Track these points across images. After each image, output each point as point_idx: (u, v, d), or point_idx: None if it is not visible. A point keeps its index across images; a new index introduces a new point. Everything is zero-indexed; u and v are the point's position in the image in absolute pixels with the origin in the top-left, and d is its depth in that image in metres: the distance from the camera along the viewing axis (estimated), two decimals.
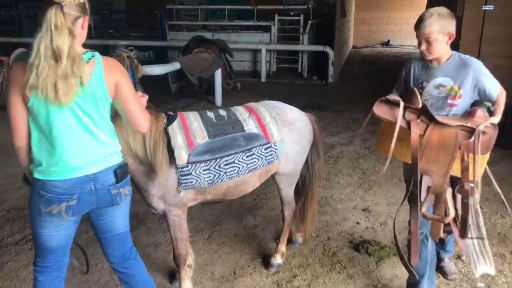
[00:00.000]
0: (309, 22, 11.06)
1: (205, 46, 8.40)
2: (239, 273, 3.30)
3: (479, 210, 2.56)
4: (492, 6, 6.72)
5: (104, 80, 2.07)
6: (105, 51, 7.16)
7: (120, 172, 2.25)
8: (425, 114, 2.45)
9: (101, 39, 11.55)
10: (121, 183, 2.26)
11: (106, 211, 2.33)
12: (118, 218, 2.40)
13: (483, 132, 2.38)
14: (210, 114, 2.82)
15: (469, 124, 2.40)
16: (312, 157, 3.26)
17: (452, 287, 3.13)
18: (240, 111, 2.92)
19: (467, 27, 6.86)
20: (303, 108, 4.59)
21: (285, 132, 2.93)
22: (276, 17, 11.10)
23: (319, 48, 10.60)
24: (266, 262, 3.39)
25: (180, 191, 2.64)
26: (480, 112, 2.50)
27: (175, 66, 7.14)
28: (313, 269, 3.34)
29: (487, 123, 2.40)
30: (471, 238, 2.54)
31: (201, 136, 2.65)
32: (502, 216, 4.10)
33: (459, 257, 3.47)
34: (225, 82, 8.86)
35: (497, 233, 3.81)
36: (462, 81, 2.54)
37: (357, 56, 15.72)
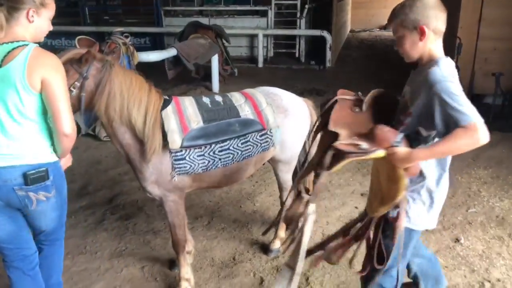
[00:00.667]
0: (306, 6, 10.94)
1: (202, 32, 8.30)
2: (238, 258, 3.31)
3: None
4: None
5: (25, 68, 1.99)
6: (101, 37, 7.10)
7: (32, 175, 2.09)
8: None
9: (96, 25, 11.43)
10: (32, 186, 2.10)
11: (24, 211, 2.23)
12: (37, 221, 2.29)
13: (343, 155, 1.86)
14: (206, 99, 2.81)
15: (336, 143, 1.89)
16: (309, 142, 3.24)
17: (450, 269, 3.15)
18: (236, 97, 2.89)
19: (466, 9, 6.80)
20: (301, 93, 4.57)
21: (281, 118, 2.92)
22: (273, 2, 10.97)
23: (316, 32, 10.49)
24: (265, 247, 3.40)
25: (174, 176, 2.64)
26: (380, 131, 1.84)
27: (171, 52, 7.06)
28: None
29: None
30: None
31: (195, 121, 2.64)
32: (500, 199, 4.11)
33: (457, 240, 3.48)
34: (222, 68, 8.78)
35: (495, 216, 3.82)
36: (416, 96, 1.92)
37: (354, 40, 15.60)
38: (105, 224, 3.77)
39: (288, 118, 2.93)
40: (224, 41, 8.95)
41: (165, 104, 2.62)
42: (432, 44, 1.94)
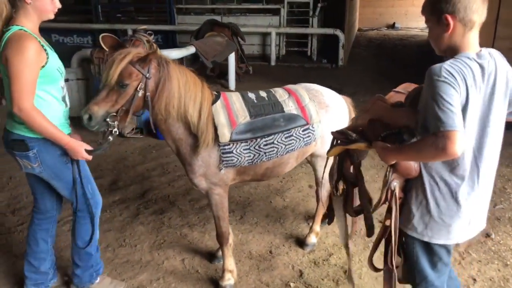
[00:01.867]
0: (319, 4, 11.00)
1: (218, 30, 8.38)
2: (275, 251, 3.39)
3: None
4: None
5: (1, 48, 2.24)
6: (114, 35, 7.16)
7: (14, 143, 2.42)
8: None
9: (108, 23, 11.49)
10: (16, 152, 2.44)
11: None
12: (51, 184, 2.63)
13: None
14: (251, 95, 2.88)
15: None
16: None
17: (484, 263, 3.22)
18: (280, 93, 2.96)
19: None
20: None
21: (322, 114, 2.99)
22: (286, 0, 11.03)
23: (329, 31, 10.55)
24: (300, 241, 3.48)
25: (221, 169, 2.71)
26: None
27: (190, 50, 7.12)
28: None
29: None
30: None
31: (243, 116, 2.71)
32: None
33: (488, 235, 3.55)
34: (237, 66, 8.85)
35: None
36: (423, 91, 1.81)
37: (363, 39, 15.65)
38: (140, 218, 3.85)
39: (329, 114, 3.01)
40: (239, 39, 9.02)
41: (214, 99, 2.70)
42: (461, 37, 1.76)
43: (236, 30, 8.77)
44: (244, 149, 2.69)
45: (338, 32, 10.29)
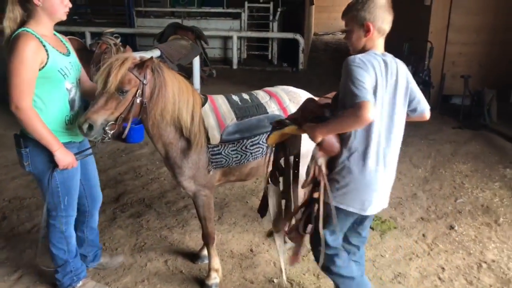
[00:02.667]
0: (279, 9, 11.23)
1: (181, 33, 8.37)
2: (256, 250, 3.48)
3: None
4: None
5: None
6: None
7: (15, 137, 2.50)
8: None
9: (65, 25, 11.19)
10: (16, 147, 2.51)
11: None
12: None
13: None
14: (235, 97, 2.96)
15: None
16: None
17: (450, 253, 3.46)
18: (261, 95, 3.07)
19: (436, 15, 7.29)
20: None
21: None
22: (246, 4, 11.17)
23: (289, 35, 10.80)
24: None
25: (210, 170, 2.78)
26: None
27: (155, 53, 7.07)
28: None
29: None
30: None
31: (229, 118, 2.79)
32: (482, 190, 4.51)
33: (452, 227, 3.81)
34: (201, 69, 8.88)
35: (480, 205, 4.20)
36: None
37: (320, 43, 16.10)
38: (117, 222, 3.83)
39: None
40: (203, 43, 9.06)
41: (203, 102, 2.77)
42: (374, 41, 2.13)
43: (199, 33, 8.80)
44: (231, 150, 2.77)
45: (298, 37, 10.55)
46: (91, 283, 2.95)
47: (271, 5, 11.32)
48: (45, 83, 2.36)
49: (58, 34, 2.57)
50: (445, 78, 7.34)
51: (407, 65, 7.58)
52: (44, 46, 2.32)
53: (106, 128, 2.41)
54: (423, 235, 3.71)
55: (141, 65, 2.40)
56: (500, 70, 7.48)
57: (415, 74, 7.36)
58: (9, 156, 5.19)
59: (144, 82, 2.43)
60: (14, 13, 2.32)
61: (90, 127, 2.36)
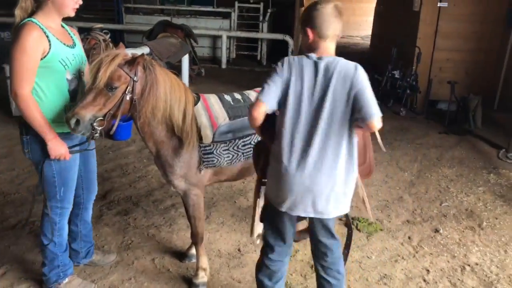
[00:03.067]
0: (269, 10, 11.25)
1: (171, 31, 8.33)
2: (243, 249, 3.48)
3: None
4: (446, 3, 7.29)
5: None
6: None
7: (19, 124, 2.56)
8: None
9: None
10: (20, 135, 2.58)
11: None
12: None
13: None
14: (227, 97, 2.97)
15: None
16: None
17: (435, 256, 3.51)
18: (253, 95, 3.07)
19: (424, 22, 7.39)
20: None
21: None
22: (236, 4, 11.17)
23: (279, 36, 10.82)
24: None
25: (201, 170, 2.78)
26: None
27: (144, 50, 7.02)
28: None
29: None
30: None
31: (222, 117, 2.80)
32: (467, 194, 4.59)
33: (437, 230, 3.87)
34: (190, 68, 8.85)
35: (465, 209, 4.27)
36: None
37: None
38: (104, 220, 3.80)
39: None
40: (192, 41, 9.03)
41: (195, 101, 2.76)
42: (315, 44, 2.19)
43: (189, 31, 8.77)
44: (223, 150, 2.77)
45: (287, 38, 10.58)
46: (77, 280, 2.92)
47: (261, 6, 11.33)
48: (46, 72, 2.39)
49: (66, 27, 2.61)
50: (432, 84, 7.44)
51: (395, 69, 7.66)
52: (47, 36, 2.36)
53: (94, 124, 2.39)
54: (409, 237, 3.76)
55: (132, 62, 2.39)
56: (485, 77, 7.62)
57: (402, 79, 7.46)
58: None
59: (135, 79, 2.41)
60: (26, 3, 2.38)
61: (77, 122, 2.35)
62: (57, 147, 2.46)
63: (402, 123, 6.92)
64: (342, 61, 2.16)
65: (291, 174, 2.17)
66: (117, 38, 11.32)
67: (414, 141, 6.13)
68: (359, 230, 3.80)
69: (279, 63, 2.19)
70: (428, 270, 3.33)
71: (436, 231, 3.87)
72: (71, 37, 2.60)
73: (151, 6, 11.93)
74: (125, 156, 5.20)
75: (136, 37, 10.97)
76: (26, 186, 4.31)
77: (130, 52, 6.88)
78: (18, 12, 2.39)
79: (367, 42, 15.70)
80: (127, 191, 4.35)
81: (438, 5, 7.32)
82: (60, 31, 2.50)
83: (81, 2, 2.48)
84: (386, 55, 8.50)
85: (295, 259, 3.38)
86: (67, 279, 2.87)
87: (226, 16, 11.35)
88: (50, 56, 2.38)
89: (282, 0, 12.70)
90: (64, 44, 2.48)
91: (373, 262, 3.41)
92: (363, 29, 18.87)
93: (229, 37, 11.06)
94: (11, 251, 3.30)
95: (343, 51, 14.92)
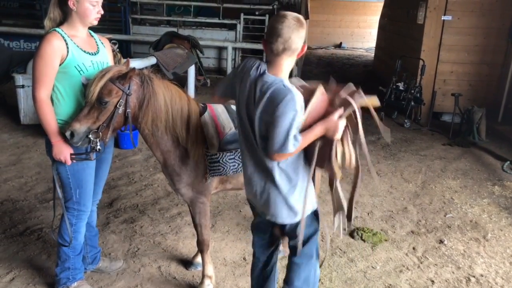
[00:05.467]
0: None
1: (178, 42, 8.44)
2: (249, 258, 3.49)
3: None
4: (451, 17, 7.35)
5: None
6: None
7: None
8: None
9: None
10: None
11: None
12: None
13: None
14: (234, 107, 3.01)
15: None
16: None
17: (440, 267, 3.52)
18: None
19: (428, 35, 7.45)
20: None
21: None
22: (242, 16, 11.28)
23: None
24: None
25: (208, 178, 2.82)
26: None
27: (151, 61, 7.13)
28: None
29: None
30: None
31: (228, 127, 2.84)
32: (471, 206, 4.60)
33: (441, 241, 3.88)
34: (195, 78, 8.94)
35: (469, 221, 4.28)
36: None
37: (312, 57, 16.25)
38: (111, 227, 3.84)
39: None
40: (198, 52, 9.13)
41: (202, 110, 2.81)
42: (268, 57, 2.15)
43: (195, 43, 8.88)
44: (229, 159, 2.81)
45: None
46: (85, 286, 2.95)
47: (266, 18, 11.43)
48: (64, 76, 2.54)
49: (95, 35, 2.76)
50: (436, 96, 7.48)
51: (399, 81, 7.72)
52: (66, 44, 2.50)
53: (90, 136, 2.47)
54: (414, 248, 3.77)
55: (124, 76, 2.44)
56: (489, 90, 7.66)
57: (407, 91, 7.51)
58: (1, 158, 5.18)
59: (127, 92, 2.47)
60: (54, 14, 2.57)
61: (72, 134, 2.44)
62: (59, 150, 2.56)
63: (406, 134, 6.96)
64: (278, 86, 2.04)
65: (244, 180, 2.42)
66: (124, 48, 11.46)
67: (419, 152, 6.16)
68: (363, 240, 3.82)
69: (242, 62, 2.25)
70: (433, 281, 3.34)
71: (441, 242, 3.88)
72: (97, 44, 2.73)
73: (157, 17, 12.06)
74: (132, 164, 5.25)
75: (143, 47, 11.09)
76: (34, 194, 4.36)
77: (136, 63, 7.01)
78: (47, 22, 2.57)
79: (371, 54, 15.82)
80: (133, 199, 4.39)
81: (442, 18, 7.39)
82: (84, 39, 2.64)
83: (102, 12, 2.61)
84: (390, 67, 8.57)
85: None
86: (75, 283, 2.91)
87: (232, 27, 11.46)
88: (67, 62, 2.51)
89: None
90: (85, 51, 2.60)
91: (378, 272, 3.42)
92: (367, 41, 19.02)
93: (234, 48, 11.15)
94: (20, 257, 3.34)
95: (347, 63, 15.08)
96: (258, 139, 2.16)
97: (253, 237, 2.65)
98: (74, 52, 2.54)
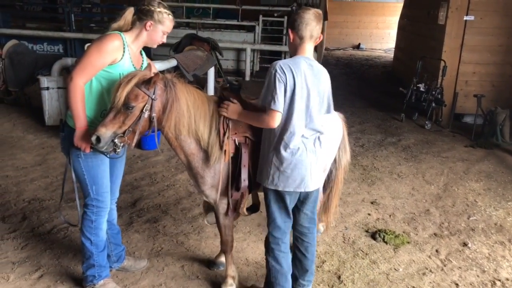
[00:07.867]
0: None
1: (197, 44, 8.51)
2: None
3: None
4: (473, 17, 7.25)
5: None
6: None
7: (60, 122, 2.84)
8: None
9: (82, 33, 11.38)
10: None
11: None
12: None
13: None
14: None
15: None
16: (339, 152, 3.51)
17: (464, 270, 3.48)
18: None
19: (450, 35, 7.37)
20: None
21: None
22: (260, 18, 11.33)
23: None
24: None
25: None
26: None
27: (172, 63, 7.21)
28: (338, 255, 3.61)
29: None
30: None
31: None
32: (495, 208, 4.53)
33: (465, 244, 3.83)
34: (215, 80, 9.00)
35: (494, 224, 4.22)
36: None
37: (331, 58, 16.20)
38: (134, 226, 3.90)
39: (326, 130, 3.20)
40: (217, 54, 9.19)
41: None
42: (299, 45, 2.57)
43: (215, 45, 8.94)
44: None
45: None
46: (111, 284, 3.00)
47: (285, 19, 11.46)
48: (106, 76, 2.62)
49: (143, 54, 2.87)
50: (458, 97, 7.39)
51: (420, 82, 7.76)
52: (123, 50, 2.59)
53: (116, 140, 2.50)
54: (437, 250, 3.73)
55: (149, 81, 2.47)
56: None
57: (428, 92, 7.43)
58: (27, 158, 5.29)
59: (153, 97, 2.51)
60: (124, 22, 2.67)
61: (98, 139, 2.48)
62: (81, 138, 2.59)
63: (427, 136, 6.88)
64: (322, 67, 2.61)
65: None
66: (144, 50, 11.59)
67: (440, 154, 6.09)
68: (386, 243, 3.80)
69: (279, 71, 2.47)
70: (457, 284, 3.31)
71: (465, 245, 3.83)
72: (142, 63, 2.83)
73: (177, 20, 12.08)
74: (154, 165, 5.32)
75: (163, 49, 11.17)
76: (60, 193, 4.44)
77: (158, 65, 7.10)
78: (113, 25, 2.67)
79: (390, 55, 15.69)
80: (156, 199, 4.44)
81: (465, 18, 7.29)
82: (135, 54, 2.74)
83: (165, 40, 2.76)
84: (409, 68, 8.50)
85: (322, 269, 3.40)
86: (102, 281, 2.96)
87: (250, 29, 11.51)
88: (116, 65, 2.61)
89: None
90: (133, 64, 2.70)
91: (401, 274, 3.40)
92: (385, 42, 18.87)
93: (253, 50, 11.21)
94: (47, 254, 3.42)
95: (366, 64, 14.98)
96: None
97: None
98: (126, 61, 2.63)
